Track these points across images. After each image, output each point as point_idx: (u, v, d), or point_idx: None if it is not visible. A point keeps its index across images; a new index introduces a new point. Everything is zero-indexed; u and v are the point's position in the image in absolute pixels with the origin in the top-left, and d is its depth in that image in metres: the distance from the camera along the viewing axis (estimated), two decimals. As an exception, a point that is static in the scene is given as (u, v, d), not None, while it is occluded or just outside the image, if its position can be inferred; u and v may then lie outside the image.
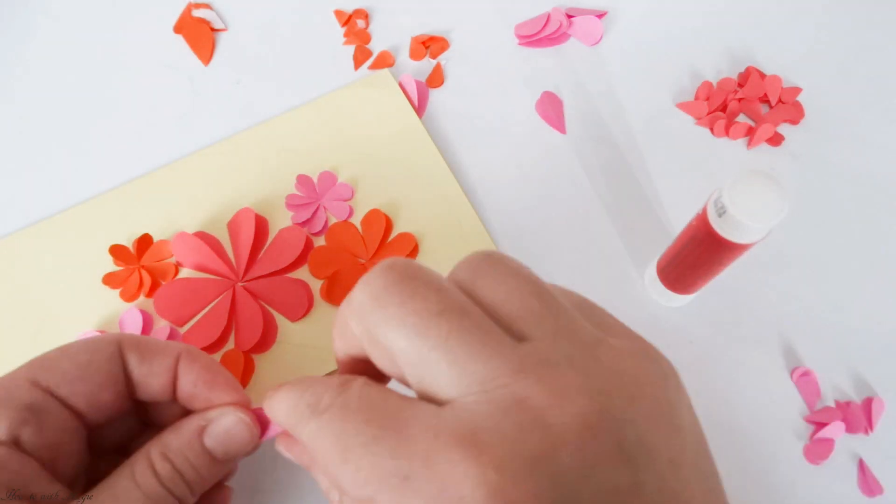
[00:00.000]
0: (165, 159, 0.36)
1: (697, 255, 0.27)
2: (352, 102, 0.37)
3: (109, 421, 0.23)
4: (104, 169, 0.36)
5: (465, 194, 0.35)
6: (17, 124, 0.37)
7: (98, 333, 0.31)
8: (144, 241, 0.33)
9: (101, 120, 0.37)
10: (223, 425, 0.22)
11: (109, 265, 0.33)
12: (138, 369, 0.22)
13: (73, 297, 0.32)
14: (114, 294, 0.32)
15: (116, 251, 0.32)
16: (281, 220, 0.34)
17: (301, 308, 0.31)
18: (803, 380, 0.31)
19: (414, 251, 0.33)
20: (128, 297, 0.32)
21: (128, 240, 0.33)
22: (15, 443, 0.20)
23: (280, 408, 0.18)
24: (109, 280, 0.32)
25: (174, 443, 0.21)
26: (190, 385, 0.22)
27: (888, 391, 0.31)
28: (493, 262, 0.17)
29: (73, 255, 0.33)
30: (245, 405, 0.23)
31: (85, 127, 0.37)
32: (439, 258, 0.33)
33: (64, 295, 0.32)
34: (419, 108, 0.37)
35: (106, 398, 0.22)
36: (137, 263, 0.32)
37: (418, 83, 0.37)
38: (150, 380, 0.22)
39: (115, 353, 0.22)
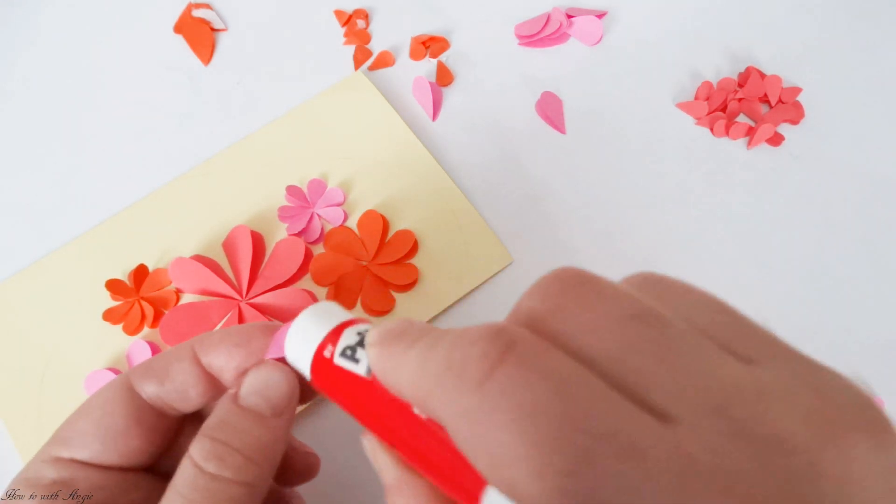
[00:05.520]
0: (166, 162, 0.36)
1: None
2: (330, 108, 0.37)
3: (165, 449, 0.21)
4: (104, 173, 0.36)
5: (458, 186, 0.35)
6: (13, 129, 0.37)
7: (109, 372, 0.30)
8: (140, 272, 0.32)
9: (100, 120, 0.37)
10: (252, 380, 0.20)
11: (108, 301, 0.32)
12: (161, 392, 0.21)
13: (75, 338, 0.32)
14: (116, 329, 0.32)
15: (113, 285, 0.32)
16: (276, 233, 0.34)
17: None
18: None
19: (414, 247, 0.33)
20: (131, 330, 0.31)
21: (123, 273, 0.33)
22: None
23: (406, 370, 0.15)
24: (109, 316, 0.32)
25: (210, 421, 0.19)
26: (221, 369, 0.21)
27: (888, 391, 0.31)
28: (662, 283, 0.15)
29: (69, 294, 0.33)
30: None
31: (83, 129, 0.37)
32: (440, 251, 0.33)
33: (65, 336, 0.32)
34: (434, 110, 0.37)
35: (135, 443, 0.20)
36: (136, 295, 0.32)
37: (432, 85, 0.37)
38: (183, 393, 0.21)
39: (126, 394, 0.20)
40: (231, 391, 0.20)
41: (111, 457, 0.20)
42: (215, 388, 0.21)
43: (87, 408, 0.21)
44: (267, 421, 0.19)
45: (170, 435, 0.22)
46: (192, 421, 0.23)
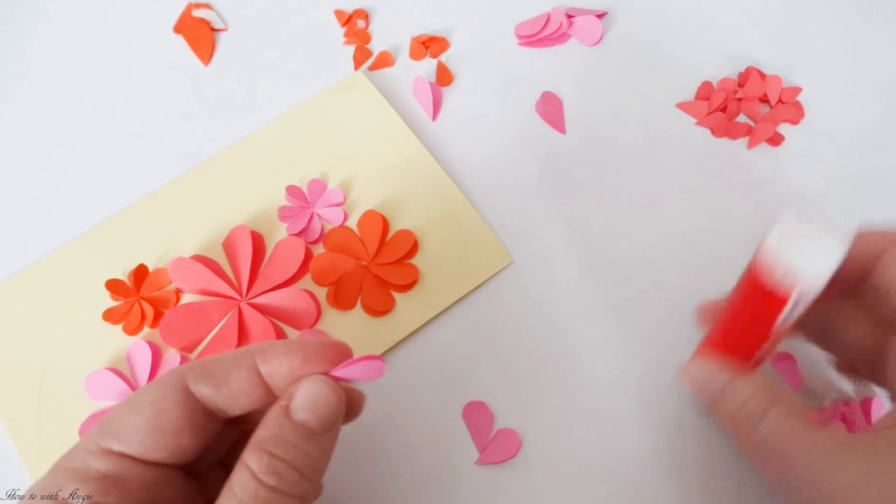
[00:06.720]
0: (166, 162, 0.36)
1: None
2: (330, 108, 0.37)
3: (206, 450, 0.21)
4: (104, 172, 0.36)
5: (458, 186, 0.35)
6: (14, 129, 0.37)
7: (109, 372, 0.30)
8: (140, 272, 0.32)
9: (100, 120, 0.37)
10: (303, 395, 0.20)
11: (108, 301, 0.32)
12: (216, 396, 0.21)
13: (75, 338, 0.32)
14: (116, 329, 0.32)
15: (113, 285, 0.32)
16: (276, 233, 0.34)
17: (310, 317, 0.31)
18: (792, 377, 0.31)
19: (414, 247, 0.33)
20: (131, 330, 0.31)
21: (123, 273, 0.33)
22: None
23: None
24: (109, 316, 0.32)
25: (264, 434, 0.20)
26: (281, 381, 0.21)
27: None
28: None
29: (69, 294, 0.32)
30: (335, 359, 0.21)
31: (83, 128, 0.37)
32: (440, 251, 0.33)
33: (65, 336, 0.32)
34: (434, 110, 0.37)
35: (185, 441, 0.20)
36: (136, 295, 0.32)
37: (432, 85, 0.37)
38: (236, 399, 0.21)
39: (181, 393, 0.21)
40: (282, 403, 0.20)
41: (160, 454, 0.20)
42: (267, 397, 0.21)
43: (138, 403, 0.20)
44: (317, 436, 0.20)
45: (213, 436, 0.22)
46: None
